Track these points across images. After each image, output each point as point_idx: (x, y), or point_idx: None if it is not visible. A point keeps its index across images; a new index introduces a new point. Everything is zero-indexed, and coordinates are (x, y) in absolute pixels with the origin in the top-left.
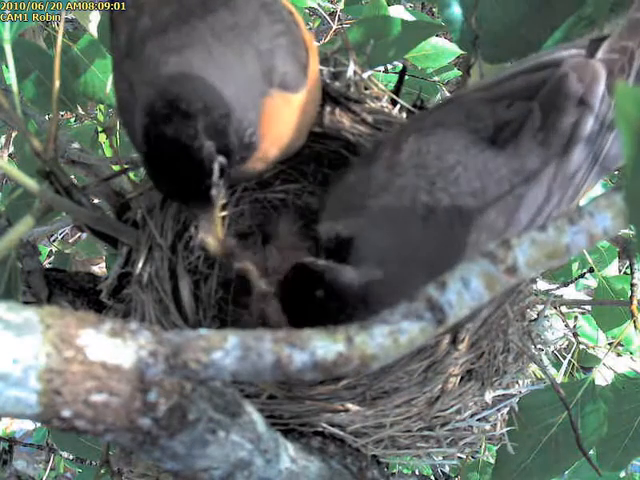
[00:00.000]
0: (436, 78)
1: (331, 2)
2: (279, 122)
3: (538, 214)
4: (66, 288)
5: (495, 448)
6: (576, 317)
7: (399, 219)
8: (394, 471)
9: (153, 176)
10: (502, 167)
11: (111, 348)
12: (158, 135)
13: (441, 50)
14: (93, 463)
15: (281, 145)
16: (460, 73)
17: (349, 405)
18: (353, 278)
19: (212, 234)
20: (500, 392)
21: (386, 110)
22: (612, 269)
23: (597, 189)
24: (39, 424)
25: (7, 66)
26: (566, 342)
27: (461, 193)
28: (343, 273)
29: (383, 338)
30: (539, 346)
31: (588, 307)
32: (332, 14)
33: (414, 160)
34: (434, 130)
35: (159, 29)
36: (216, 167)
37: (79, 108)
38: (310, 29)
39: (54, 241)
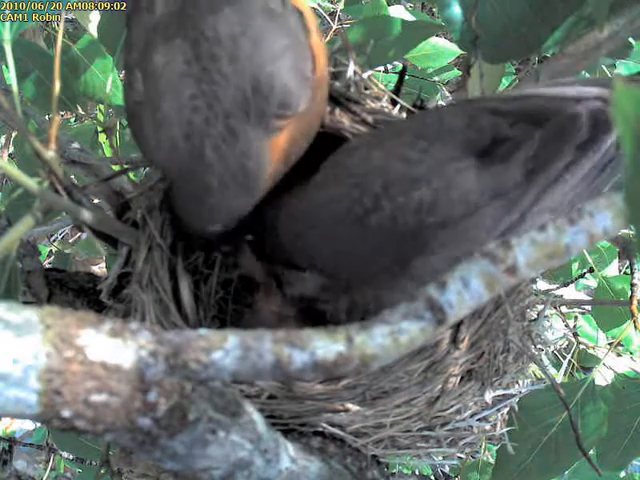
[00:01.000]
0: (436, 78)
1: (331, 2)
2: (282, 158)
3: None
4: (66, 288)
5: (495, 448)
6: (576, 317)
7: (335, 206)
8: (394, 471)
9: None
10: (475, 186)
11: (111, 348)
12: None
13: (441, 50)
14: (93, 463)
15: (286, 163)
16: (460, 73)
17: (349, 405)
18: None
19: None
20: (500, 392)
21: (386, 110)
22: (612, 269)
23: None
24: (39, 424)
25: (7, 66)
26: (566, 342)
27: (406, 206)
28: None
29: (383, 338)
30: (539, 346)
31: (588, 307)
32: (332, 14)
33: (386, 159)
34: (427, 129)
35: (163, 41)
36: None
37: (79, 108)
38: None
39: (54, 241)
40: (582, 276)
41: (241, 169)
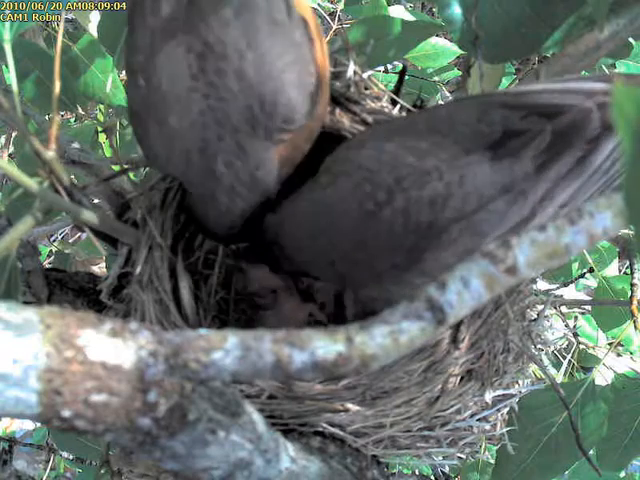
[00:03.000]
0: (436, 78)
1: (331, 2)
2: (286, 164)
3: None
4: (66, 288)
5: (495, 448)
6: (576, 317)
7: (345, 202)
8: (394, 471)
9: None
10: (487, 180)
11: (111, 348)
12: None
13: (441, 50)
14: (93, 463)
15: (290, 167)
16: (460, 73)
17: (349, 405)
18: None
19: None
20: (500, 392)
21: (386, 110)
22: (612, 269)
23: None
24: (39, 424)
25: (7, 66)
26: (566, 342)
27: (421, 200)
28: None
29: (383, 338)
30: (539, 346)
31: (588, 307)
32: (332, 14)
33: (397, 152)
34: (437, 123)
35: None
36: None
37: (79, 108)
38: None
39: (54, 241)
40: (582, 276)
41: (252, 179)
